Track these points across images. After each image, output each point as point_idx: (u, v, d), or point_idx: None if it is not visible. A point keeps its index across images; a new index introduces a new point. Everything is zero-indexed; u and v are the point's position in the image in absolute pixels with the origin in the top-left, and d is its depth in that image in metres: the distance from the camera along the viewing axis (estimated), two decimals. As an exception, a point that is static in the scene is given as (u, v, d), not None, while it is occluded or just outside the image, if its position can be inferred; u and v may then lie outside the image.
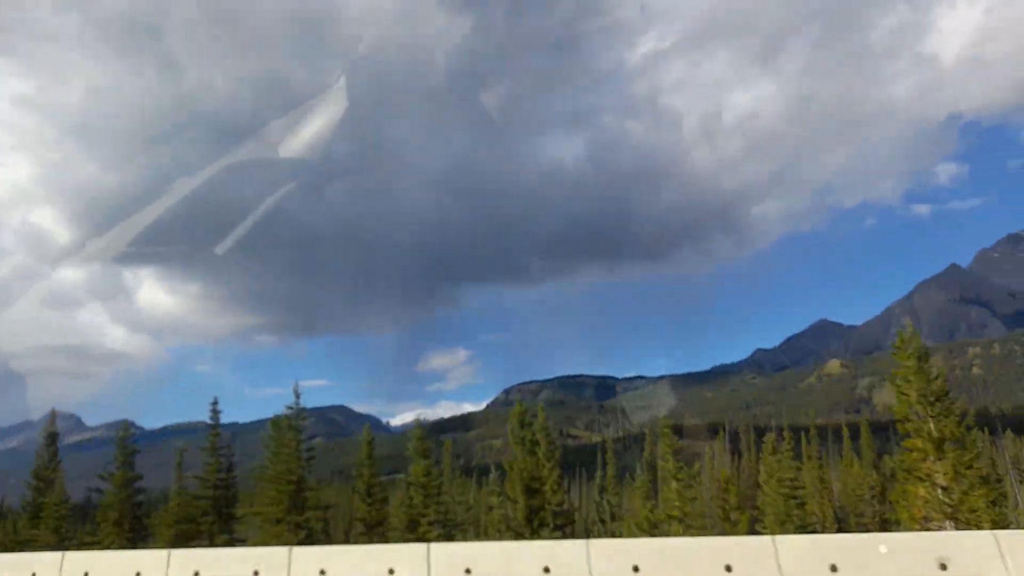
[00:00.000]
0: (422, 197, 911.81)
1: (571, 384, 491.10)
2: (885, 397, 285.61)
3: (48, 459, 44.34)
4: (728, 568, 9.72)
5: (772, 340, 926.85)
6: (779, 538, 9.96)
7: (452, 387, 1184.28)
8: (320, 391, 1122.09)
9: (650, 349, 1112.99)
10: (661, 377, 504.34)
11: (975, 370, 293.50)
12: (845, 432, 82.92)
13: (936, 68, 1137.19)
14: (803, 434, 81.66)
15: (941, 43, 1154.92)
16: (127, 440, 45.46)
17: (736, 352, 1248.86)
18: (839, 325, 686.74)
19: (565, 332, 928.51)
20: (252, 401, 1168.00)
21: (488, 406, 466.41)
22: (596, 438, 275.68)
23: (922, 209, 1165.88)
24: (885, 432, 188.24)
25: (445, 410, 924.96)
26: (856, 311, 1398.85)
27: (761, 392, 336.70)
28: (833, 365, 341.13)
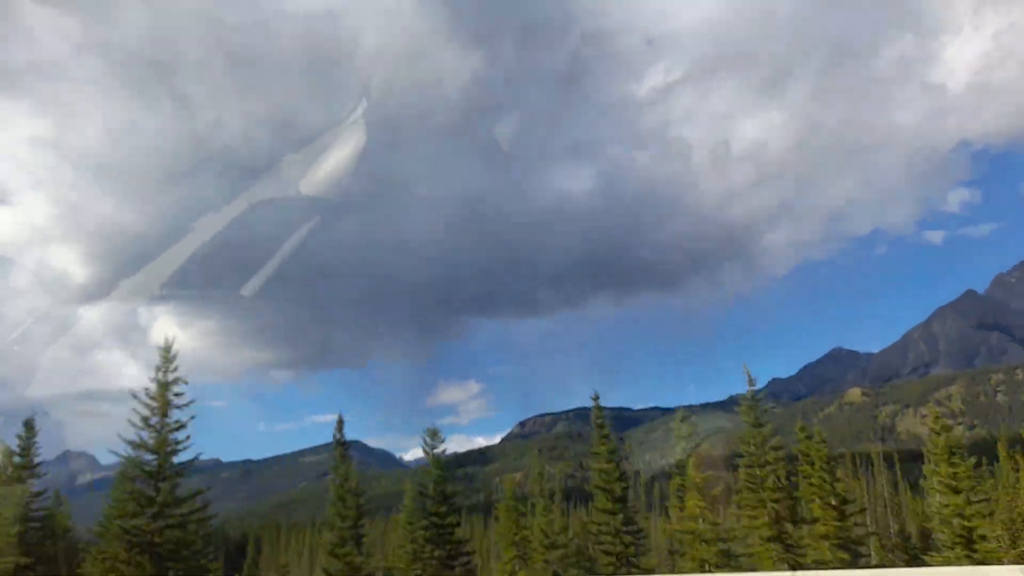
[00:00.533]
0: (432, 231, 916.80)
1: (586, 416, 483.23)
2: (908, 424, 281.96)
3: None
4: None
5: (788, 369, 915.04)
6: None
7: (464, 421, 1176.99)
8: (331, 427, 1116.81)
9: (664, 380, 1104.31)
10: (677, 407, 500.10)
11: (999, 396, 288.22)
12: (877, 459, 79.29)
13: (943, 96, 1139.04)
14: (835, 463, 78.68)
15: (948, 71, 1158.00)
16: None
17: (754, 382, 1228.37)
18: (855, 353, 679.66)
19: (576, 364, 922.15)
20: (266, 436, 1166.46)
21: (503, 439, 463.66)
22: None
23: (935, 236, 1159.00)
24: (916, 461, 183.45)
25: (458, 444, 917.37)
26: (871, 338, 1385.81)
27: (781, 422, 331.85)
28: (854, 393, 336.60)
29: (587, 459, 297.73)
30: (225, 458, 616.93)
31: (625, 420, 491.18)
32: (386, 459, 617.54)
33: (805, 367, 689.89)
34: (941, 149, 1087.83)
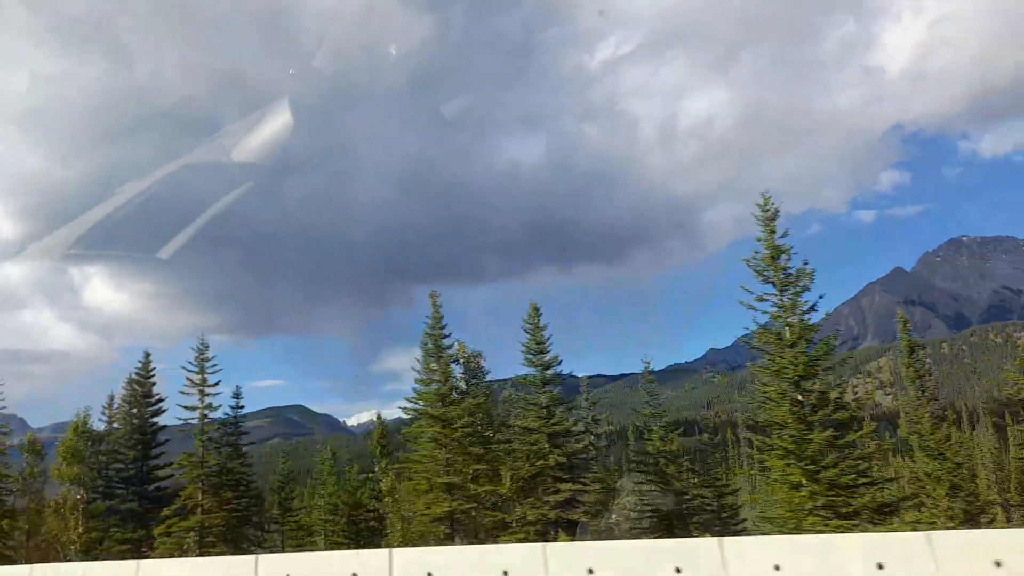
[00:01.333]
0: (379, 197, 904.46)
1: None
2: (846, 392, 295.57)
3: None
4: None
5: (724, 340, 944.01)
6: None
7: (407, 387, 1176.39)
8: (276, 391, 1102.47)
9: (606, 349, 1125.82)
10: (622, 375, 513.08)
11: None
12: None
13: (881, 80, 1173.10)
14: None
15: (886, 56, 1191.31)
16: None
17: (690, 352, 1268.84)
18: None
19: (514, 332, 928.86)
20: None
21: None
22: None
23: (866, 216, 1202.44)
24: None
25: (402, 410, 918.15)
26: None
27: (722, 390, 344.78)
28: None
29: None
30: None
31: (567, 387, 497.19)
32: (331, 424, 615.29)
33: (740, 338, 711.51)
34: (876, 131, 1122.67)
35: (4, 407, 40.62)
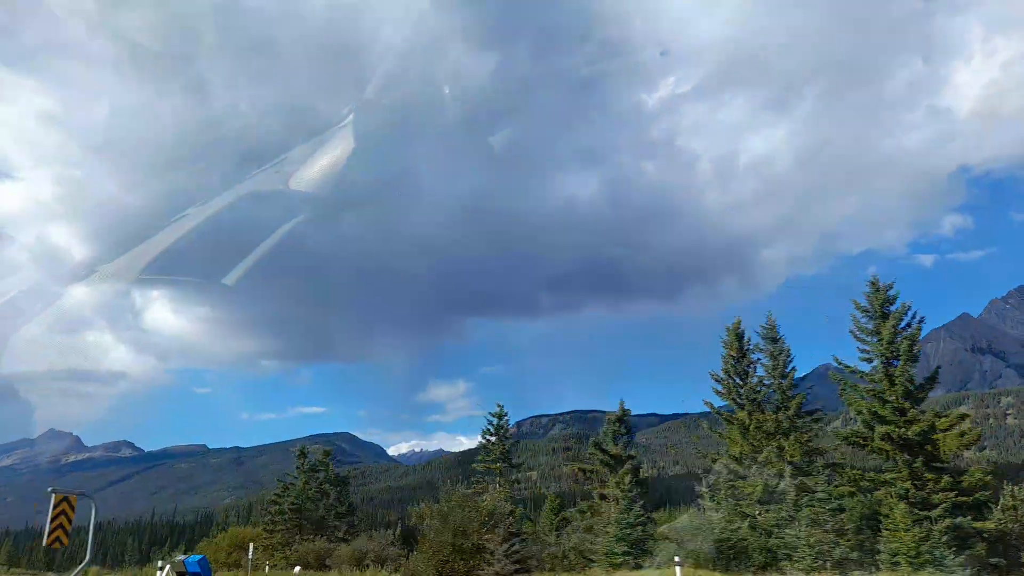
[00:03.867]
0: (435, 230, 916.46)
1: (583, 419, 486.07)
2: None
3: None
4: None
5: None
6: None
7: (450, 419, 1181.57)
8: (317, 418, 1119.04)
9: (655, 387, 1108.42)
10: (675, 415, 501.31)
11: (1010, 419, 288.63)
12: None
13: (949, 121, 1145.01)
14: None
15: (955, 96, 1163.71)
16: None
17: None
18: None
19: (569, 368, 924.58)
20: (250, 425, 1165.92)
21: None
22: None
23: (926, 259, 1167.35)
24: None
25: (440, 441, 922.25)
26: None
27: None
28: None
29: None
30: (211, 444, 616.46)
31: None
32: (377, 452, 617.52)
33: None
34: (940, 173, 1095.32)
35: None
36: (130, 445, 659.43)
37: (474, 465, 46.43)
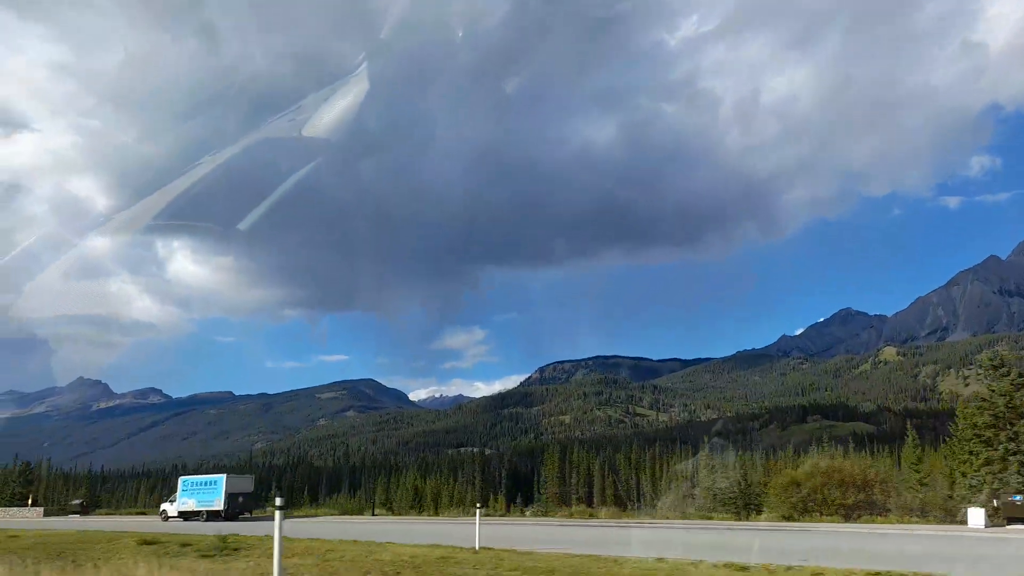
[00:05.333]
0: (451, 176, 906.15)
1: (605, 364, 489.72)
2: (951, 385, 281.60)
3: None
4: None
5: (795, 327, 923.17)
6: None
7: (467, 365, 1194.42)
8: (339, 365, 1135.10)
9: (675, 333, 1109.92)
10: (699, 360, 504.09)
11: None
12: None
13: (982, 56, 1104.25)
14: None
15: (989, 30, 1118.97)
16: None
17: (760, 338, 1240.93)
18: (864, 314, 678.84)
19: (587, 314, 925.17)
20: (274, 373, 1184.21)
21: (522, 384, 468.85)
22: (663, 417, 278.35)
23: (952, 201, 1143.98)
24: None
25: (458, 387, 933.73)
26: (881, 301, 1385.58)
27: (815, 378, 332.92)
28: (888, 352, 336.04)
29: (634, 405, 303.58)
30: (237, 391, 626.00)
31: (644, 370, 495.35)
32: (399, 398, 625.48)
33: (813, 325, 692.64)
34: (970, 111, 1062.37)
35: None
36: (158, 392, 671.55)
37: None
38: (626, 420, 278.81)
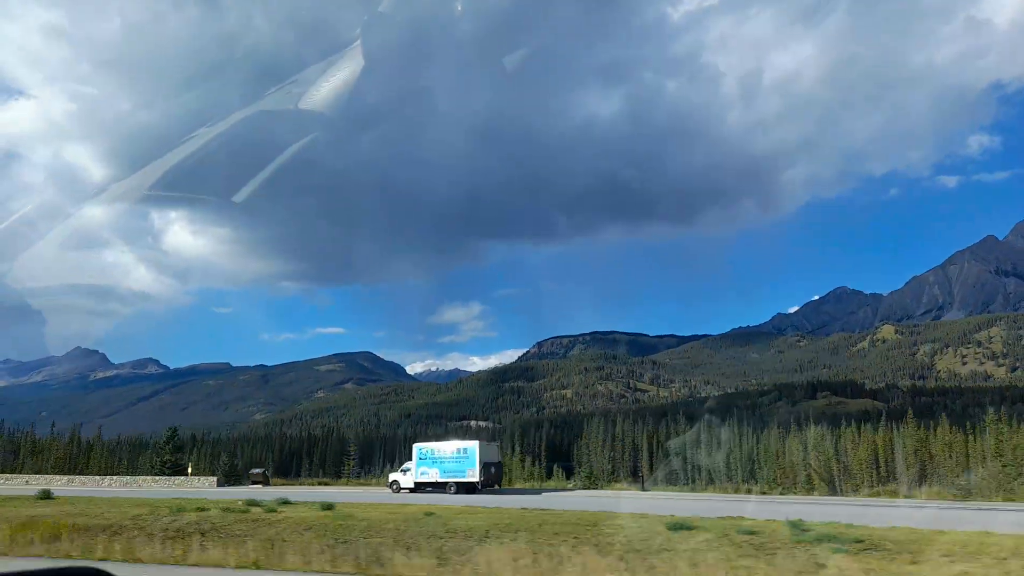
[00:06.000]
0: (452, 150, 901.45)
1: (603, 340, 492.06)
2: (948, 363, 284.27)
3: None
4: None
5: (790, 305, 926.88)
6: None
7: (463, 339, 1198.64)
8: (337, 338, 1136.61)
9: (672, 308, 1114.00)
10: (694, 336, 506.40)
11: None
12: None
13: (987, 33, 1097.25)
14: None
15: (995, 7, 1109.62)
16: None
17: (755, 315, 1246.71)
18: (859, 292, 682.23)
19: (582, 290, 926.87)
20: (270, 345, 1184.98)
21: (520, 358, 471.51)
22: (664, 393, 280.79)
23: (949, 180, 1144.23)
24: (961, 396, 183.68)
25: (454, 361, 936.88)
26: (876, 279, 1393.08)
27: (813, 355, 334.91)
28: (887, 330, 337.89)
29: (635, 380, 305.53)
30: (235, 362, 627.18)
31: (641, 345, 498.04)
32: (397, 371, 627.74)
33: (808, 303, 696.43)
34: (972, 90, 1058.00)
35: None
36: (155, 362, 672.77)
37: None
38: (627, 395, 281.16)
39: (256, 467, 62.82)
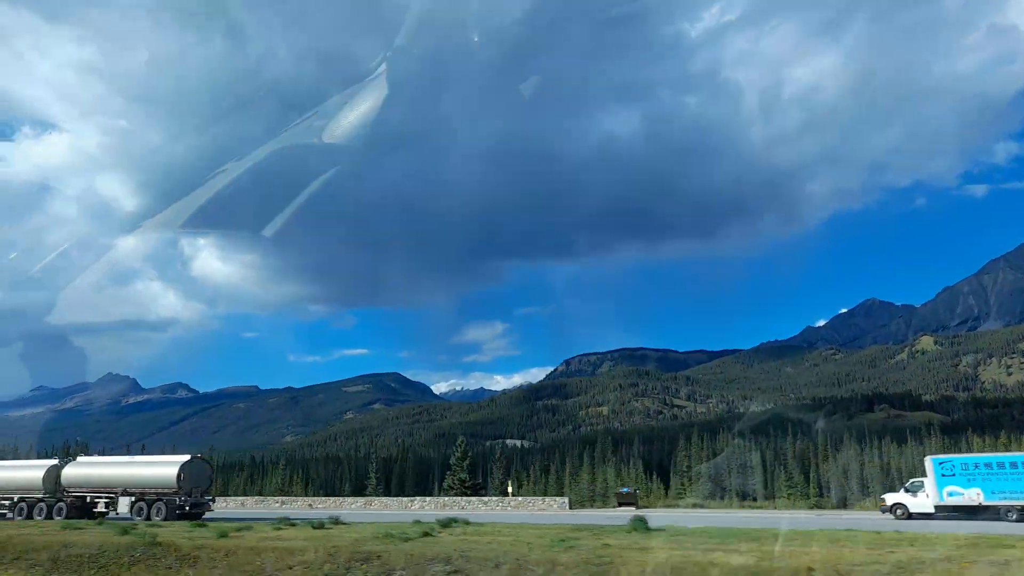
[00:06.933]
0: (473, 174, 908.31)
1: (632, 357, 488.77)
2: (992, 374, 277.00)
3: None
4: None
5: (819, 318, 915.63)
6: None
7: (486, 359, 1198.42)
8: (362, 360, 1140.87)
9: (699, 324, 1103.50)
10: (726, 351, 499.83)
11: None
12: None
13: (1012, 40, 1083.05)
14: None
15: (1020, 12, 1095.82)
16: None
17: (783, 329, 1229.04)
18: (890, 304, 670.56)
19: (605, 307, 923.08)
20: (297, 367, 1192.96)
21: (548, 376, 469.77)
22: (701, 408, 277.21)
23: (978, 190, 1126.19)
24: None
25: (478, 380, 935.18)
26: (906, 291, 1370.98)
27: (850, 368, 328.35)
28: (925, 342, 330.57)
29: (671, 396, 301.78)
30: (263, 385, 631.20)
31: (671, 361, 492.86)
32: (423, 390, 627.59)
33: (836, 316, 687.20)
34: (998, 97, 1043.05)
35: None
36: (185, 387, 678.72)
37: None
38: (664, 411, 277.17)
39: (623, 487, 57.92)
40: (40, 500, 32.60)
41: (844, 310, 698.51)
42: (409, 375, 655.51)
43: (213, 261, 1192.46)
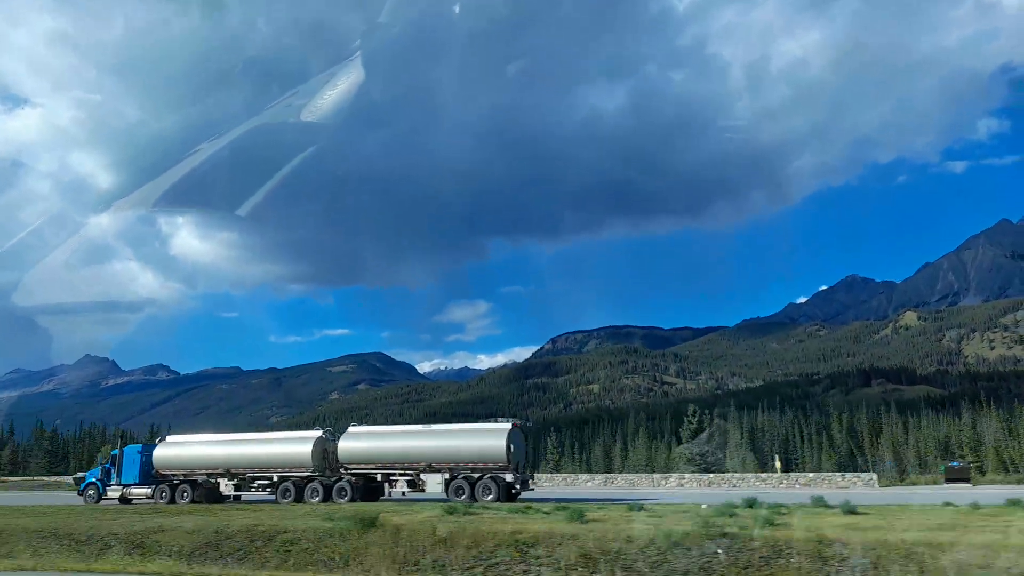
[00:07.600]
0: (456, 150, 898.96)
1: (618, 334, 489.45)
2: (976, 349, 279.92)
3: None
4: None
5: (800, 294, 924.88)
6: None
7: (470, 338, 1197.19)
8: (343, 340, 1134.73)
9: (685, 301, 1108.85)
10: (709, 328, 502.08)
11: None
12: None
13: (997, 15, 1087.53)
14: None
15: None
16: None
17: (765, 306, 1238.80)
18: (870, 280, 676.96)
19: (591, 285, 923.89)
20: (280, 348, 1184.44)
21: (535, 354, 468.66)
22: (691, 385, 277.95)
23: (958, 166, 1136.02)
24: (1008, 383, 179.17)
25: (462, 360, 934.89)
26: (887, 267, 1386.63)
27: (835, 344, 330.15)
28: (909, 317, 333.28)
29: (660, 374, 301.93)
30: (244, 366, 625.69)
31: (656, 339, 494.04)
32: (408, 371, 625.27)
33: (818, 293, 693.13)
34: (981, 73, 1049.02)
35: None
36: (166, 368, 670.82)
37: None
38: (655, 388, 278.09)
39: (952, 461, 49.87)
40: (309, 479, 28.22)
41: (825, 287, 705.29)
42: (392, 355, 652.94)
43: (191, 240, 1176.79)
